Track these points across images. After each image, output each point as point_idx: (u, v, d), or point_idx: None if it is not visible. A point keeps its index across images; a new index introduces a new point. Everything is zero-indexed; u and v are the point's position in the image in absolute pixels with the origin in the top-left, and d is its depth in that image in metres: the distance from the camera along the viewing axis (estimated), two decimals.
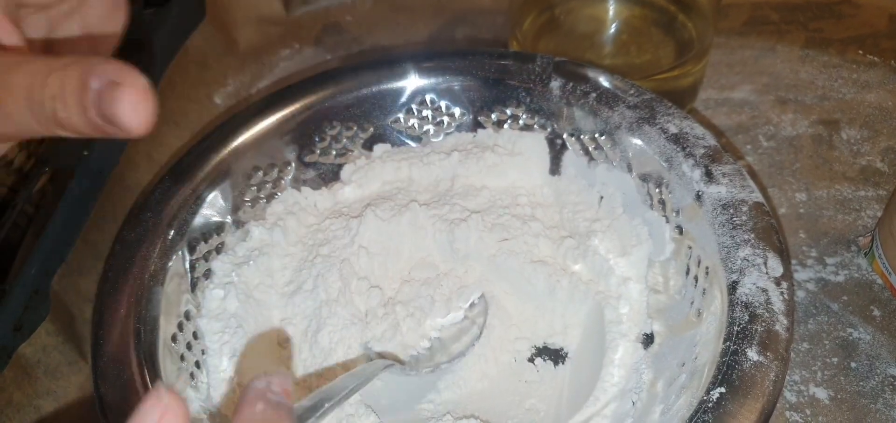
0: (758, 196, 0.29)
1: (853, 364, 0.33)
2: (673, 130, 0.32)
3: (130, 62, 0.26)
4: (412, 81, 0.37)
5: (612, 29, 0.43)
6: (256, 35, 0.53)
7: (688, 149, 0.31)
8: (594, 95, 0.34)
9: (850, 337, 0.34)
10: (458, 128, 0.38)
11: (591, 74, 0.35)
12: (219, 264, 0.33)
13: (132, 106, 0.21)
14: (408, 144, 0.38)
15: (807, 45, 0.49)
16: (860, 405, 0.31)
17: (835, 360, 0.33)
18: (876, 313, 0.34)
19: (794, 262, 0.37)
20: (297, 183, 0.37)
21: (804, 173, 0.41)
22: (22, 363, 0.32)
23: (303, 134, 0.36)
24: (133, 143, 0.41)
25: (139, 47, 0.42)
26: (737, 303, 0.26)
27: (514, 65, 0.36)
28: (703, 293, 0.29)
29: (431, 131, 0.38)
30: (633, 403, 0.28)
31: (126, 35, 0.46)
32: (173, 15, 0.50)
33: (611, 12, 0.43)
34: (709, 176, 0.30)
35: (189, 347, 0.30)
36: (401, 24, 0.53)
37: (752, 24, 0.51)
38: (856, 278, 0.36)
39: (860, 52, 0.48)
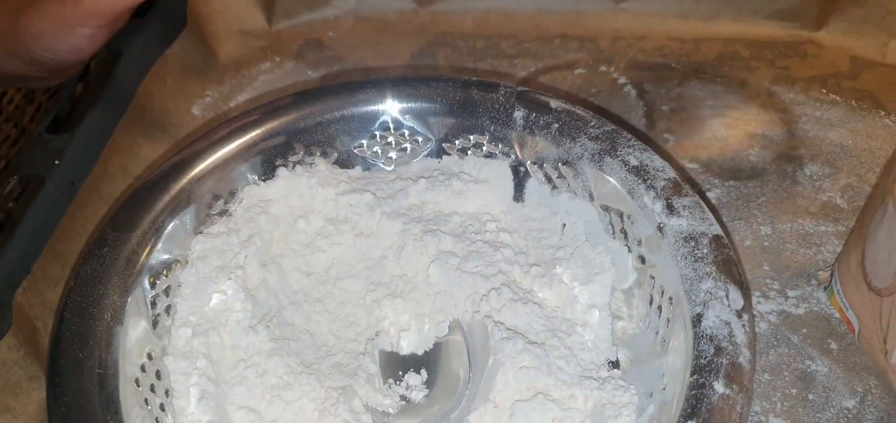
0: (717, 229, 0.30)
1: (811, 396, 0.34)
2: (634, 162, 0.33)
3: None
4: (376, 107, 0.37)
5: None
6: (237, 47, 0.53)
7: (649, 181, 0.32)
8: (556, 125, 0.35)
9: (809, 369, 0.35)
10: (423, 154, 0.38)
11: (553, 104, 0.36)
12: (181, 301, 0.31)
13: None
14: (373, 170, 0.38)
15: (774, 81, 0.51)
16: None
17: (794, 391, 0.34)
18: (833, 346, 0.36)
19: (757, 294, 0.38)
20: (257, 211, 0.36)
21: (769, 207, 0.42)
22: None
23: (265, 160, 0.36)
24: (107, 153, 0.41)
25: (115, 58, 0.41)
26: (702, 336, 0.27)
27: (479, 94, 0.36)
28: (668, 323, 0.30)
29: (396, 158, 0.38)
30: None
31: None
32: (152, 23, 0.49)
33: None
34: (670, 208, 0.31)
35: (152, 389, 0.29)
36: (382, 44, 0.54)
37: (722, 58, 0.53)
38: (815, 312, 0.37)
39: (823, 91, 0.50)
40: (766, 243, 0.41)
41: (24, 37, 0.37)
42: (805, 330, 0.36)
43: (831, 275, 0.37)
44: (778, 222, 0.42)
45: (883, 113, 0.48)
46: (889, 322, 0.32)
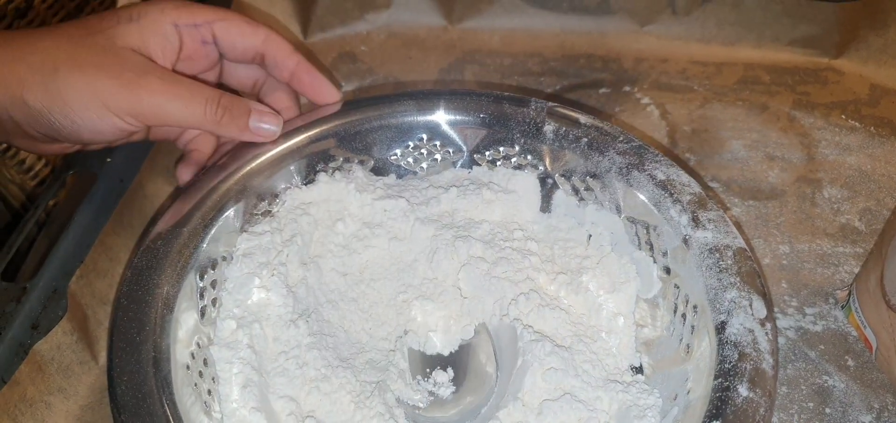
0: (741, 242, 0.32)
1: (828, 410, 0.35)
2: (660, 176, 0.34)
3: None
4: (414, 119, 0.39)
5: None
6: None
7: (675, 195, 0.34)
8: (585, 140, 0.36)
9: (826, 384, 0.36)
10: (455, 164, 0.40)
11: (582, 119, 0.37)
12: (226, 294, 0.33)
13: (272, 122, 0.37)
14: (406, 178, 0.40)
15: (794, 106, 0.52)
16: None
17: (811, 405, 0.35)
18: (850, 363, 0.37)
19: (775, 310, 0.39)
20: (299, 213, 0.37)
21: (788, 227, 0.44)
22: (37, 359, 0.33)
23: (307, 165, 0.38)
24: (152, 154, 0.43)
25: None
26: (726, 342, 0.28)
27: (510, 108, 0.38)
28: (692, 331, 0.31)
29: (428, 167, 0.40)
30: None
31: None
32: None
33: None
34: (695, 221, 0.33)
35: (201, 375, 0.31)
36: (412, 59, 0.56)
37: (744, 82, 0.54)
38: (833, 329, 0.38)
39: (843, 116, 0.51)
40: (784, 262, 0.42)
41: (53, 94, 0.32)
42: (822, 346, 0.37)
43: (849, 294, 0.38)
44: (796, 242, 0.43)
45: None
46: None
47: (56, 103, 0.32)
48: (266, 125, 0.36)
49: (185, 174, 0.37)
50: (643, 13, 0.56)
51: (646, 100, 0.53)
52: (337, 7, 0.57)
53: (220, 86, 0.41)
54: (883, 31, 0.53)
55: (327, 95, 0.39)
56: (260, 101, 0.40)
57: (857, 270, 0.40)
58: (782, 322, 0.39)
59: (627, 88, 0.53)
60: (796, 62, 0.55)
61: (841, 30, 0.54)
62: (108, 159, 0.41)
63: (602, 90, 0.53)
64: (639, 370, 0.33)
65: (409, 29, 0.57)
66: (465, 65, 0.56)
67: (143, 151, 0.42)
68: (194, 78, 0.38)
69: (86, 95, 0.32)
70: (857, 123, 0.50)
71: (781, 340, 0.38)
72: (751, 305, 0.29)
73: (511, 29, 0.57)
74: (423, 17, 0.57)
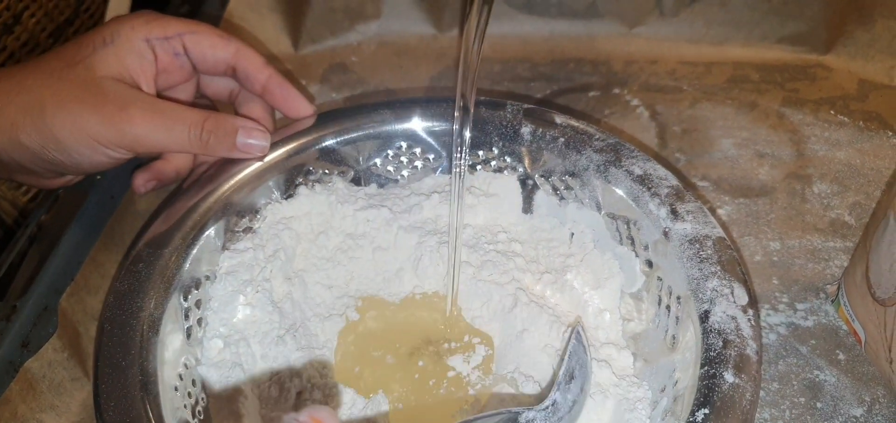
0: (720, 231, 0.32)
1: (819, 404, 0.35)
2: (638, 171, 0.35)
3: None
4: (390, 128, 0.38)
5: None
6: None
7: (653, 189, 0.34)
8: (562, 139, 0.37)
9: (817, 379, 0.36)
10: (435, 171, 0.40)
11: (559, 120, 0.37)
12: (212, 314, 0.33)
13: (260, 138, 0.36)
14: (387, 187, 0.40)
15: (784, 103, 0.52)
16: None
17: (802, 400, 0.35)
18: (841, 357, 0.36)
19: (766, 306, 0.39)
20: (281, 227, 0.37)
21: (778, 224, 0.44)
22: (28, 377, 0.33)
23: (286, 179, 0.37)
24: None
25: None
26: (710, 330, 0.28)
27: (487, 112, 0.38)
28: (677, 322, 0.31)
29: (408, 174, 0.40)
30: None
31: None
32: None
33: None
34: (674, 214, 0.33)
35: (190, 395, 0.30)
36: (403, 68, 0.56)
37: (733, 81, 0.54)
38: (823, 324, 0.38)
39: (832, 112, 0.51)
40: (775, 258, 0.42)
41: (44, 133, 0.33)
42: (813, 341, 0.37)
43: (838, 288, 0.38)
44: (787, 238, 0.43)
45: (890, 133, 0.49)
46: (893, 331, 0.33)
47: (49, 141, 0.33)
48: (254, 141, 0.36)
49: (140, 182, 0.37)
50: (631, 15, 0.57)
51: (635, 101, 0.53)
52: (327, 19, 0.58)
53: (198, 96, 0.41)
54: (870, 26, 0.53)
55: (300, 108, 0.38)
56: (236, 112, 0.39)
57: (846, 264, 0.40)
58: (773, 318, 0.39)
59: (617, 91, 0.54)
60: (785, 59, 0.55)
61: (828, 26, 0.54)
62: (99, 177, 0.41)
63: (592, 93, 0.54)
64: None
65: (399, 38, 0.58)
66: (455, 71, 0.56)
67: (134, 169, 0.43)
68: (172, 90, 0.38)
69: (74, 132, 0.33)
70: (845, 118, 0.50)
71: (773, 336, 0.38)
72: (732, 292, 0.29)
73: (501, 35, 0.58)
74: (412, 27, 0.58)
